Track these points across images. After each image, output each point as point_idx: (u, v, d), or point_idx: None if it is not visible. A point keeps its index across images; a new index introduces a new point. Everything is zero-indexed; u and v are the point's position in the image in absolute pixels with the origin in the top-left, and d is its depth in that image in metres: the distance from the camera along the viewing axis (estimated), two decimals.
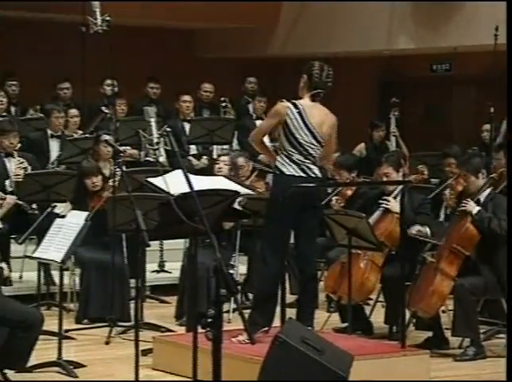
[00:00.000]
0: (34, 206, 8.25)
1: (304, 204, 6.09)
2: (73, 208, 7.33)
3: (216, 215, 5.81)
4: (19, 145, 8.60)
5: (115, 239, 7.56)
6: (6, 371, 5.66)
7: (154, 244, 8.50)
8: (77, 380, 6.01)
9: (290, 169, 6.09)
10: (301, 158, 6.10)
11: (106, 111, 9.55)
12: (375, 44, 11.73)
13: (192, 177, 4.60)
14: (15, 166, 8.35)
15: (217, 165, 8.21)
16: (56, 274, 8.09)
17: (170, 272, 8.86)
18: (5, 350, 5.59)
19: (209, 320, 4.12)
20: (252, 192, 6.97)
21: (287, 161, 6.10)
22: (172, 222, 5.32)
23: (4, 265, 5.85)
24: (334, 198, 7.96)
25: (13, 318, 5.60)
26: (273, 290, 6.15)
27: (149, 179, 5.98)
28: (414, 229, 6.81)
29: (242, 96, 11.80)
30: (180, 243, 8.27)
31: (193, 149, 10.54)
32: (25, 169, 8.32)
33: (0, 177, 8.13)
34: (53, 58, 11.85)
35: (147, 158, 9.55)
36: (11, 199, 7.35)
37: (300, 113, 6.10)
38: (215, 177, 7.37)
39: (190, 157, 10.30)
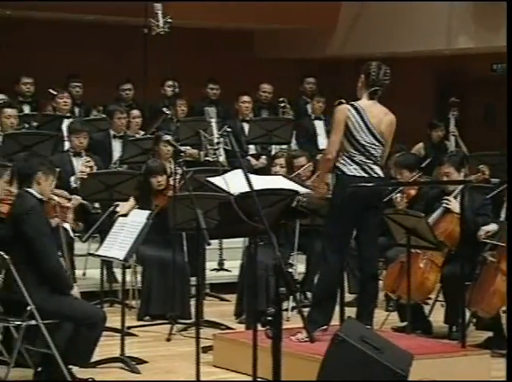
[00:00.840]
0: (97, 205, 8.42)
1: (366, 204, 6.11)
2: (138, 207, 7.47)
3: (275, 214, 5.87)
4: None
5: (176, 237, 7.66)
6: (71, 366, 5.78)
7: (214, 243, 8.60)
8: (138, 379, 6.11)
9: (352, 170, 6.11)
10: (363, 159, 6.13)
11: (167, 111, 9.68)
12: (435, 43, 11.67)
13: (251, 176, 4.66)
14: (82, 164, 8.56)
15: (273, 169, 8.28)
16: (118, 271, 8.24)
17: (229, 270, 8.94)
18: (70, 347, 5.72)
19: (269, 318, 4.17)
20: (311, 192, 7.00)
21: (348, 161, 6.13)
22: (232, 221, 5.39)
23: (76, 288, 5.95)
24: (397, 195, 7.93)
25: (77, 316, 5.73)
26: (333, 289, 6.18)
27: (209, 179, 6.06)
28: (482, 233, 6.77)
29: (301, 96, 11.83)
30: (239, 242, 8.34)
31: (252, 149, 10.63)
32: (90, 167, 8.52)
33: (66, 174, 8.30)
34: (116, 59, 12.03)
35: (207, 158, 9.64)
36: (76, 200, 7.52)
37: (359, 114, 6.13)
38: (274, 176, 7.42)
39: (249, 157, 10.38)
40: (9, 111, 9.14)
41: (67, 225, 6.59)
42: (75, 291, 5.86)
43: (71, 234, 6.97)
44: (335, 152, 6.17)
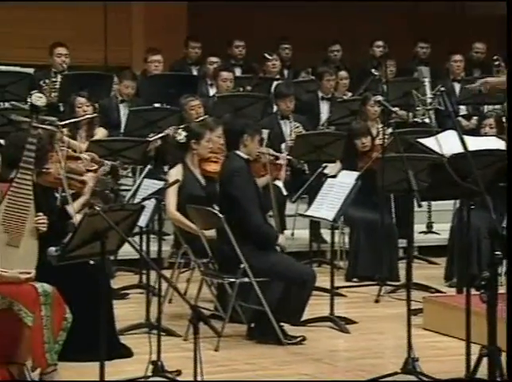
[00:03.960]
0: (305, 166, 8.50)
1: None
2: (343, 168, 7.49)
3: (490, 176, 5.70)
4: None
5: (384, 199, 7.62)
6: (282, 324, 5.90)
7: (422, 205, 8.48)
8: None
9: None
10: None
11: (376, 72, 9.59)
12: None
13: (465, 137, 4.54)
14: (290, 130, 8.68)
15: (482, 129, 8.03)
16: (324, 232, 8.31)
17: (438, 233, 8.81)
18: (282, 304, 5.84)
19: (483, 282, 4.08)
20: None
21: None
22: (443, 183, 5.28)
23: (281, 237, 6.08)
24: None
25: (288, 274, 5.84)
26: None
27: (419, 139, 5.97)
28: None
29: None
30: (448, 204, 8.18)
31: (463, 109, 10.36)
32: (299, 133, 8.63)
33: (275, 139, 8.44)
34: (325, 21, 11.99)
35: (415, 119, 9.50)
36: (283, 157, 7.65)
37: None
38: (487, 137, 7.22)
39: (459, 118, 10.13)
40: (225, 74, 9.38)
41: (279, 183, 6.69)
42: (282, 239, 5.97)
43: (284, 192, 7.08)
44: None
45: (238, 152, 6.03)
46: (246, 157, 6.04)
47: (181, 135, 6.64)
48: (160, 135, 7.83)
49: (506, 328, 4.72)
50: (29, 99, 4.96)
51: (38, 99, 4.81)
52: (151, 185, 6.18)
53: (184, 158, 6.66)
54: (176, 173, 6.58)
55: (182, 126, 6.79)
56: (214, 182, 6.65)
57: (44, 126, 4.91)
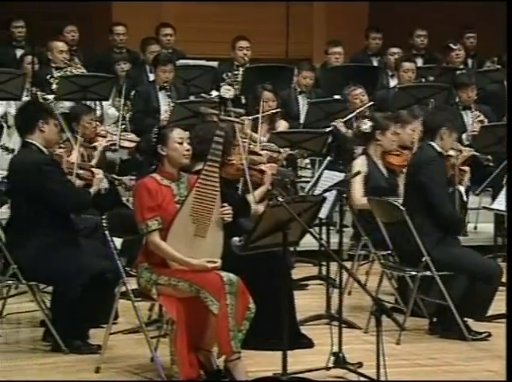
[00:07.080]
0: (490, 158, 8.27)
1: None
2: None
3: None
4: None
5: None
6: (466, 319, 5.77)
7: None
8: None
9: None
10: None
11: None
12: None
13: None
14: (472, 121, 8.48)
15: None
16: None
17: None
18: (465, 299, 5.71)
19: None
20: None
21: None
22: None
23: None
24: None
25: (472, 268, 5.71)
26: None
27: None
28: None
29: None
30: None
31: None
32: (481, 121, 8.41)
33: (458, 130, 8.26)
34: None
35: None
36: (467, 151, 7.48)
37: None
38: None
39: None
40: (407, 64, 9.27)
41: (461, 188, 6.58)
42: None
43: (465, 198, 6.93)
44: None
45: (432, 143, 5.92)
46: (439, 150, 5.92)
47: (366, 125, 6.60)
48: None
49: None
50: (213, 92, 5.07)
51: (227, 91, 4.89)
52: (331, 177, 6.17)
53: (367, 149, 6.63)
54: (360, 163, 6.57)
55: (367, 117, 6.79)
56: (395, 175, 6.63)
57: (231, 118, 4.97)
